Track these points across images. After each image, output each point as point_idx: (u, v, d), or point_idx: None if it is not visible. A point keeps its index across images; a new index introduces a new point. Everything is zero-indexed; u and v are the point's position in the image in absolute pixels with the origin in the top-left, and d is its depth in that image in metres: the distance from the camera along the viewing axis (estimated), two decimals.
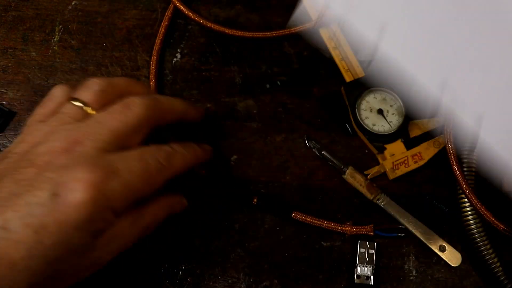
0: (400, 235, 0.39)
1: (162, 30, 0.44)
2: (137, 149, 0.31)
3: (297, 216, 0.39)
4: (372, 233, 0.39)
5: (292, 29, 0.44)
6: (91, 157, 0.28)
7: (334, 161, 0.41)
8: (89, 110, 0.31)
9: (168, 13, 0.45)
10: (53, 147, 0.28)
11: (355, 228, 0.39)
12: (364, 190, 0.40)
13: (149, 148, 0.31)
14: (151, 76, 0.43)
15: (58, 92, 0.33)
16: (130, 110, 0.31)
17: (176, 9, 0.45)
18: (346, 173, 0.40)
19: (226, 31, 0.44)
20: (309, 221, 0.39)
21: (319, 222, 0.39)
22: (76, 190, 0.26)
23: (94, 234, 0.28)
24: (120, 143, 0.30)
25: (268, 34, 0.44)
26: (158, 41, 0.44)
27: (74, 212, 0.26)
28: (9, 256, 0.25)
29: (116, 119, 0.30)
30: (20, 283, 0.25)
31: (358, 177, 0.40)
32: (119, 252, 0.31)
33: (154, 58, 0.44)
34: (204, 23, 0.44)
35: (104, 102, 0.32)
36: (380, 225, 0.39)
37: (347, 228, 0.39)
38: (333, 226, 0.39)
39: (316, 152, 0.41)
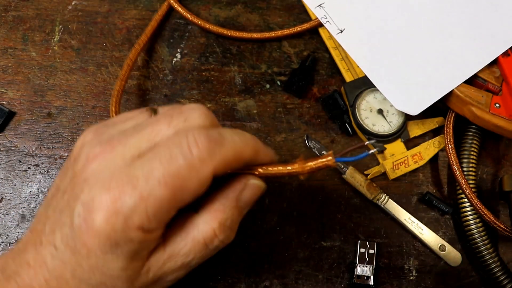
0: (370, 153, 0.29)
1: (154, 24, 0.44)
2: (165, 143, 0.25)
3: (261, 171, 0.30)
4: (334, 164, 0.28)
5: (291, 29, 0.44)
6: (115, 168, 0.25)
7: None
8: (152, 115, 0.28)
9: (160, 12, 0.45)
10: (90, 153, 0.26)
11: (309, 165, 0.29)
12: (364, 190, 0.40)
13: (179, 139, 0.25)
14: (125, 69, 0.42)
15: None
16: (181, 116, 0.27)
17: (174, 9, 0.45)
18: (346, 173, 0.40)
19: (225, 32, 0.44)
20: (264, 172, 0.29)
21: (273, 169, 0.29)
22: (93, 213, 0.24)
23: (130, 256, 0.25)
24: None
25: (266, 35, 0.44)
26: (145, 37, 0.44)
27: (94, 236, 0.24)
28: (62, 274, 0.25)
29: (162, 123, 0.27)
30: None
31: (358, 177, 0.40)
32: (184, 271, 0.28)
33: (136, 48, 0.43)
34: (202, 24, 0.44)
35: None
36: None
37: (296, 166, 0.29)
38: (286, 170, 0.29)
39: (316, 152, 0.41)
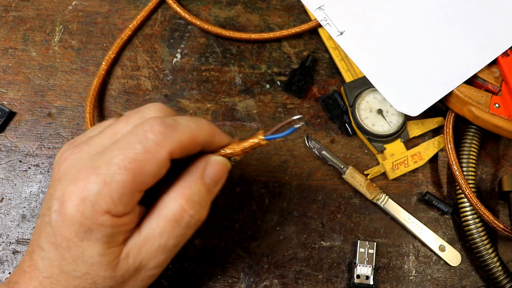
0: (298, 126, 0.30)
1: (139, 21, 0.45)
2: (124, 135, 0.27)
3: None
4: (265, 142, 0.30)
5: (289, 30, 0.44)
6: (82, 164, 0.27)
7: (334, 161, 0.41)
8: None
9: (149, 6, 0.46)
10: (62, 157, 0.28)
11: (243, 145, 0.30)
12: (364, 190, 0.40)
13: (136, 129, 0.27)
14: (105, 63, 0.43)
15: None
16: (137, 114, 0.30)
17: (172, 9, 0.45)
18: (346, 173, 0.40)
19: (223, 32, 0.44)
20: None
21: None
22: (65, 204, 0.26)
23: (105, 241, 0.26)
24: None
25: (265, 35, 0.44)
26: (128, 31, 0.45)
27: (69, 225, 0.26)
28: (51, 273, 0.27)
29: (122, 122, 0.29)
30: None
31: (358, 177, 0.40)
32: (164, 256, 0.29)
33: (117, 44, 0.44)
34: (201, 25, 0.44)
35: None
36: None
37: (231, 149, 0.30)
38: (223, 153, 0.31)
39: (316, 152, 0.41)
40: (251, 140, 0.30)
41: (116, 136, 0.28)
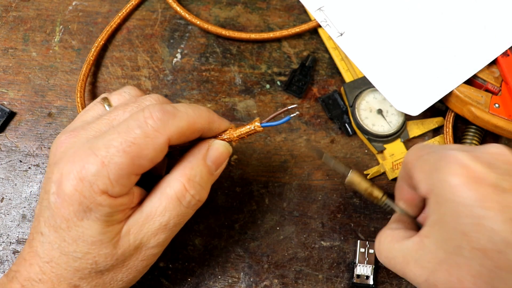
0: (293, 115, 0.32)
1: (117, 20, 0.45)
2: (124, 120, 0.28)
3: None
4: (260, 128, 0.32)
5: (289, 30, 0.44)
6: (79, 146, 0.28)
7: (337, 167, 0.40)
8: (106, 107, 0.32)
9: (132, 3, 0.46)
10: (58, 143, 0.29)
11: (240, 131, 0.32)
12: (366, 194, 0.40)
13: (136, 114, 0.28)
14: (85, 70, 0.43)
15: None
16: (135, 104, 0.31)
17: (173, 9, 0.45)
18: (348, 177, 0.40)
19: (223, 32, 0.44)
20: None
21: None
22: (63, 184, 0.26)
23: (105, 220, 0.27)
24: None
25: (265, 35, 0.44)
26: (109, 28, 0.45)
27: (68, 205, 0.26)
28: (52, 257, 0.28)
29: (119, 110, 0.30)
30: (64, 284, 0.28)
31: (362, 183, 0.40)
32: (165, 235, 0.29)
33: (97, 46, 0.44)
34: (201, 24, 0.44)
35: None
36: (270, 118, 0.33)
37: (228, 135, 0.32)
38: (221, 139, 0.32)
39: (318, 157, 0.41)
40: (247, 127, 0.32)
41: (113, 123, 0.29)
